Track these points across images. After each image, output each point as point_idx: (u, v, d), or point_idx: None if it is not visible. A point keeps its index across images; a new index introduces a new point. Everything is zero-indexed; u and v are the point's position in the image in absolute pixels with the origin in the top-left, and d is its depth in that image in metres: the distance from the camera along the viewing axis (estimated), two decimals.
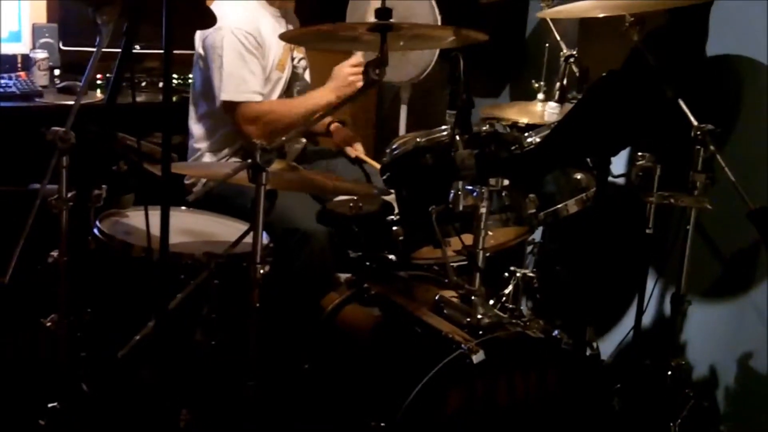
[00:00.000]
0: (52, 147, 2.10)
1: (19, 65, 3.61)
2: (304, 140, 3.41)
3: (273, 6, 3.20)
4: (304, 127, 3.04)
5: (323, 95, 3.11)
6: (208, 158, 3.18)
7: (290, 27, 3.24)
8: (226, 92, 3.03)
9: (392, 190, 2.50)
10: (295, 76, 3.27)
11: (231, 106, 3.05)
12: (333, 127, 3.43)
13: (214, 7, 3.05)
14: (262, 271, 1.98)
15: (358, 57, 3.11)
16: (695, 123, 2.50)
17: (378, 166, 2.67)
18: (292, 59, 3.25)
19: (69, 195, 2.16)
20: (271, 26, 3.14)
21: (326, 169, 3.30)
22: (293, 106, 3.16)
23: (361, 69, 2.95)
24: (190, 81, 3.31)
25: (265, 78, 3.12)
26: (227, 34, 3.01)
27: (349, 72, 3.09)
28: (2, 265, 2.15)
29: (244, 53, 3.04)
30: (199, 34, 3.12)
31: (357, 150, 3.34)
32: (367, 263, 2.75)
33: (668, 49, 2.90)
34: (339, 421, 2.32)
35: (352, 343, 2.54)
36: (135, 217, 2.54)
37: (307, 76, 3.36)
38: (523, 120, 2.94)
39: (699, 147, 2.49)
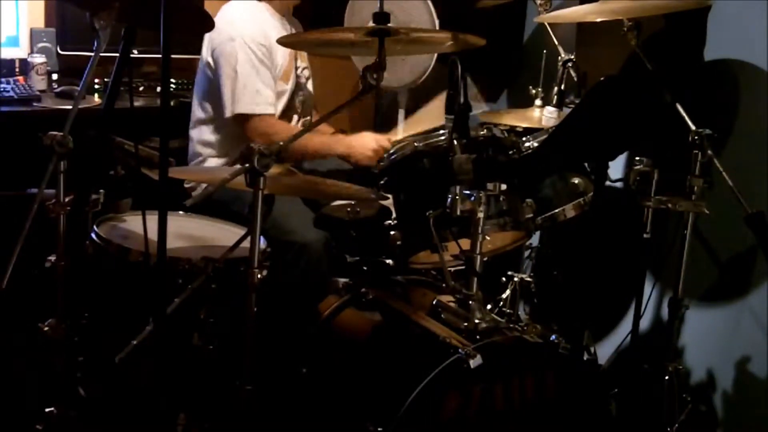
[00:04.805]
0: (50, 151, 2.10)
1: (17, 70, 3.61)
2: None
3: (279, 12, 3.18)
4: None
5: (337, 145, 3.09)
6: (211, 163, 3.17)
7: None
8: (241, 104, 3.00)
9: (390, 195, 2.50)
10: (298, 86, 3.26)
11: (244, 119, 3.02)
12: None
13: (222, 12, 3.06)
14: (259, 276, 1.98)
15: (387, 141, 3.06)
16: (693, 127, 2.50)
17: None
18: (296, 68, 3.24)
19: (66, 199, 2.16)
20: (277, 35, 3.10)
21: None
22: (307, 141, 3.08)
23: (382, 153, 2.94)
24: (189, 86, 3.29)
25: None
26: (240, 46, 2.99)
27: (372, 146, 3.04)
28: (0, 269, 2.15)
29: (258, 65, 3.01)
30: (207, 40, 3.10)
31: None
32: (365, 268, 2.75)
33: (666, 53, 2.91)
34: (336, 425, 2.32)
35: (350, 348, 2.55)
36: (132, 222, 2.53)
37: (309, 86, 3.35)
38: (521, 125, 2.94)
39: (697, 151, 2.49)
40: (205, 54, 3.12)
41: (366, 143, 3.07)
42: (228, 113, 3.03)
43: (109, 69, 1.95)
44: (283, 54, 3.13)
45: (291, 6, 3.29)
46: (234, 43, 3.00)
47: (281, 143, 1.95)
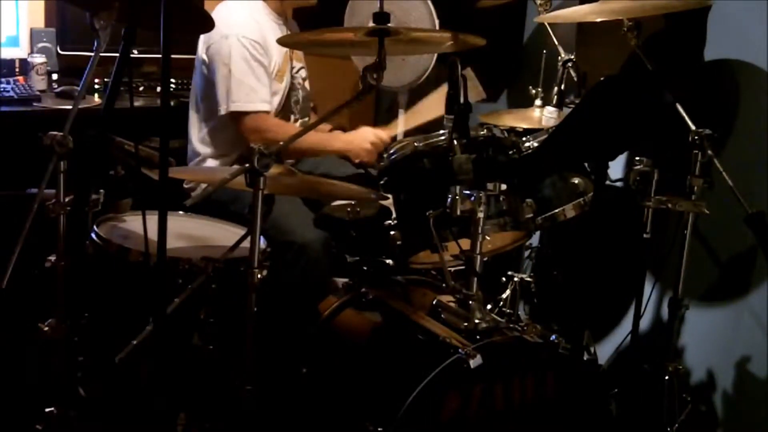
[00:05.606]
0: (50, 151, 2.10)
1: (17, 69, 3.61)
2: None
3: (275, 12, 3.18)
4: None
5: (334, 142, 3.12)
6: (210, 163, 3.16)
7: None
8: (236, 102, 2.98)
9: (390, 195, 2.50)
10: (293, 87, 3.25)
11: (239, 116, 3.01)
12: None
13: (218, 10, 3.05)
14: (259, 276, 1.98)
15: (386, 135, 3.10)
16: (693, 127, 2.50)
17: None
18: (292, 68, 3.24)
19: (66, 199, 2.16)
20: (273, 34, 3.10)
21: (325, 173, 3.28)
22: (303, 139, 3.09)
23: (381, 147, 2.98)
24: (189, 85, 3.28)
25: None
26: (235, 43, 2.98)
27: (371, 139, 3.07)
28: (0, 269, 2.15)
29: (252, 62, 3.00)
30: (203, 39, 3.09)
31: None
32: (365, 268, 2.75)
33: (666, 53, 2.91)
34: (336, 425, 2.32)
35: (350, 348, 2.55)
36: (132, 222, 2.53)
37: (306, 86, 3.34)
38: (521, 125, 2.94)
39: (697, 151, 2.49)
40: (201, 52, 3.11)
41: (365, 137, 3.07)
42: (222, 111, 3.02)
43: (109, 69, 1.95)
44: (278, 53, 3.12)
45: (290, 7, 3.29)
46: (228, 40, 2.98)
47: (281, 143, 1.95)
